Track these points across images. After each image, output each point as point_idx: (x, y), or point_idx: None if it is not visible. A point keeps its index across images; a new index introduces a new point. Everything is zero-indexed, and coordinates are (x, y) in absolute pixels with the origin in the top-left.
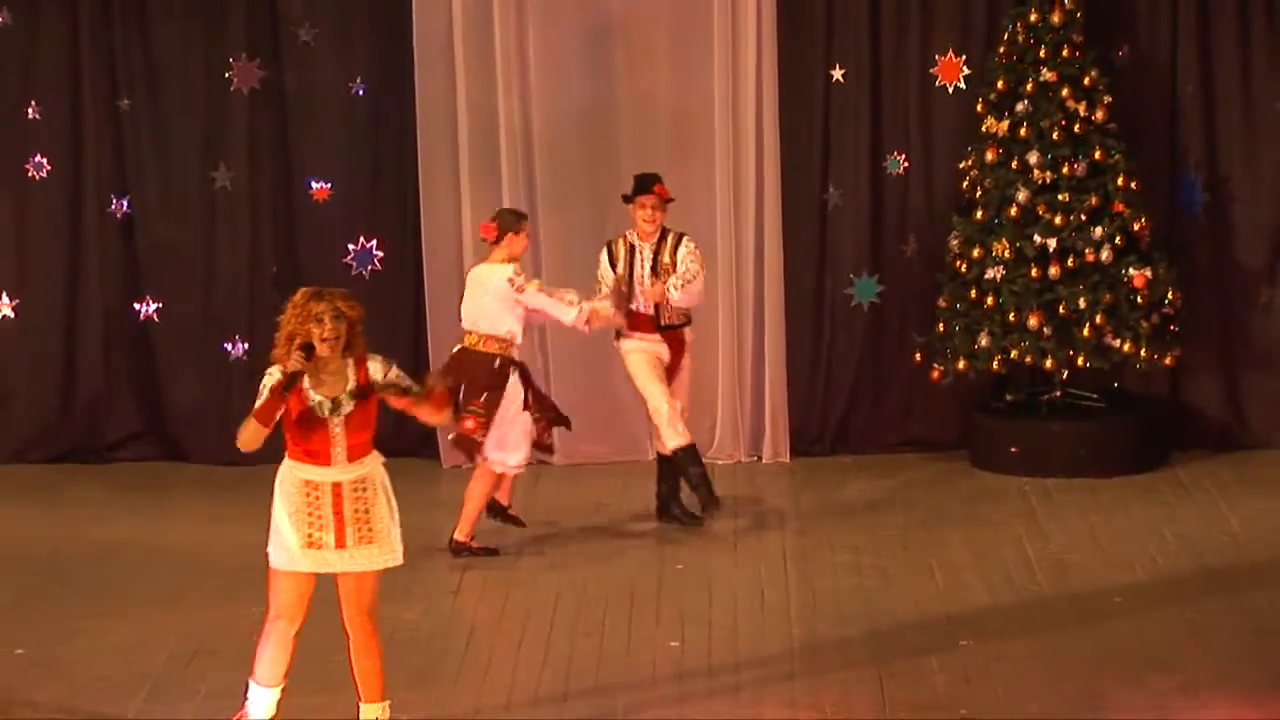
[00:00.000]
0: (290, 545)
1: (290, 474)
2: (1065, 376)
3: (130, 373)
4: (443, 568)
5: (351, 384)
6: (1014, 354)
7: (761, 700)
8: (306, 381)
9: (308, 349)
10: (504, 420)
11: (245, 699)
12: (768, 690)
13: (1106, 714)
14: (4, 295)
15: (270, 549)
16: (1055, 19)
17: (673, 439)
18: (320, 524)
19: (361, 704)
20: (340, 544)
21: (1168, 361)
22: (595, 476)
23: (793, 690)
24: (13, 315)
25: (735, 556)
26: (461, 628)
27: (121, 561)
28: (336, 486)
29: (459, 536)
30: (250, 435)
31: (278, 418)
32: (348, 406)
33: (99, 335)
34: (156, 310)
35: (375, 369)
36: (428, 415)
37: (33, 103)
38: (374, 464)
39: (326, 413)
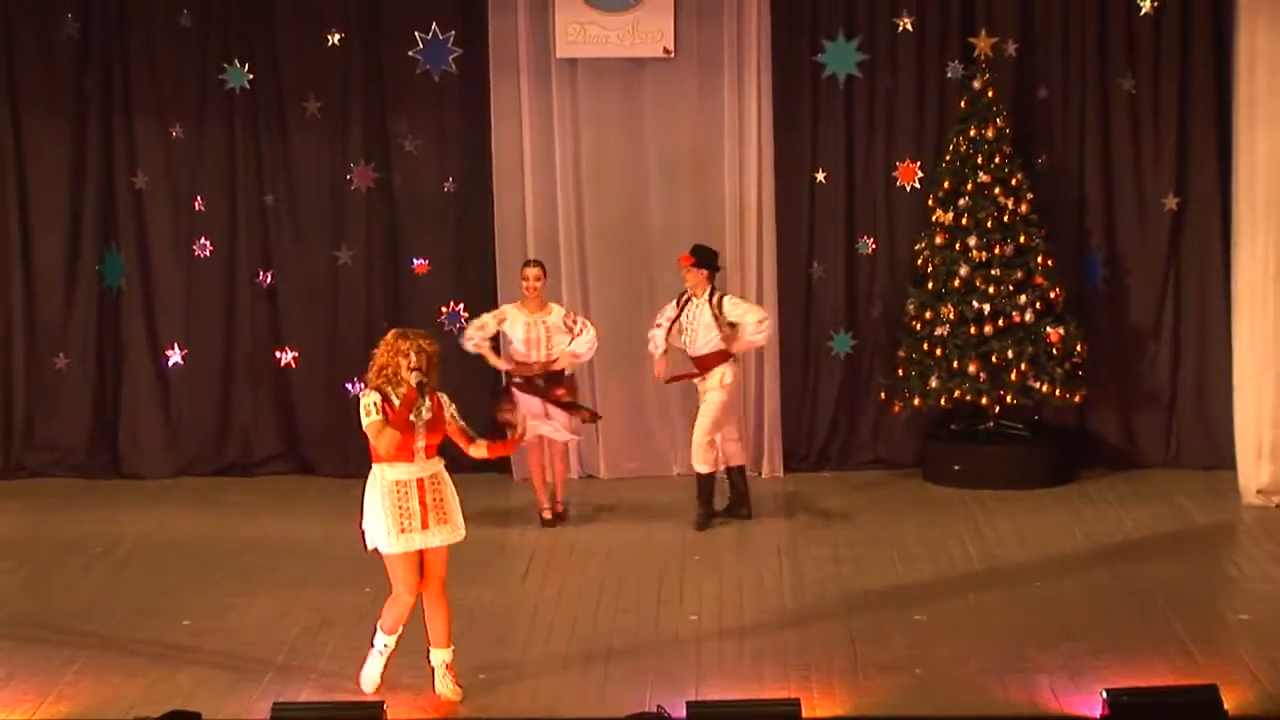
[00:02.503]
0: (388, 532)
1: (381, 477)
2: (997, 411)
3: (273, 406)
4: (512, 559)
5: (428, 401)
6: (957, 393)
7: (760, 659)
8: (395, 397)
9: (418, 372)
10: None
11: (372, 645)
12: (765, 652)
13: (1029, 672)
14: (176, 346)
15: (371, 540)
16: (989, 134)
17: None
18: (408, 513)
19: (432, 649)
20: (424, 526)
21: (1076, 399)
22: (633, 488)
23: (784, 651)
24: (182, 362)
25: (740, 549)
26: (528, 605)
27: (264, 552)
28: (420, 482)
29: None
30: (390, 441)
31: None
32: (426, 414)
33: (248, 377)
34: (293, 358)
35: (444, 400)
36: (477, 452)
37: (199, 197)
38: (441, 464)
39: (411, 416)
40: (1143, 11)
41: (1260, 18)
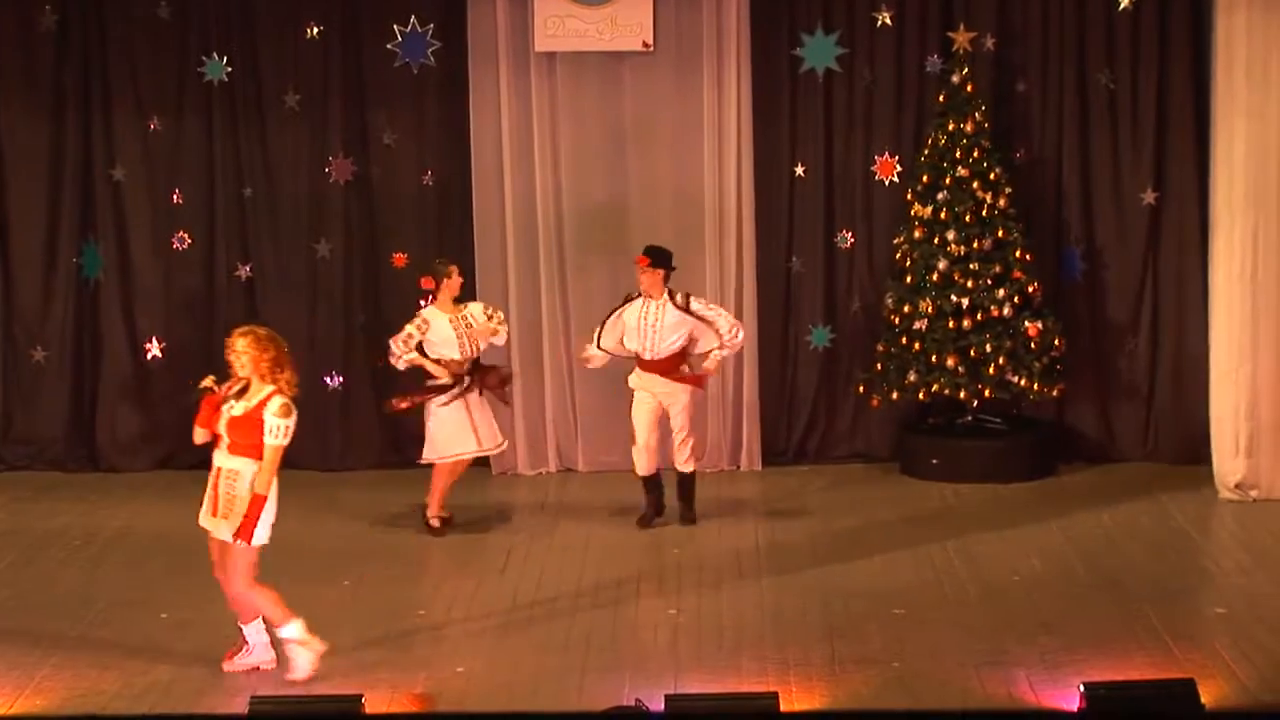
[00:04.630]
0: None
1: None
2: (975, 405)
3: None
4: (490, 552)
5: (254, 403)
6: (935, 387)
7: (739, 653)
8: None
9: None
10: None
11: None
12: (744, 645)
13: (1007, 665)
14: (154, 339)
15: None
16: (968, 128)
17: (639, 469)
18: (209, 493)
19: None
20: (214, 513)
21: (1055, 393)
22: (613, 481)
23: (763, 645)
24: (161, 355)
25: (719, 543)
26: (508, 597)
27: None
28: (219, 470)
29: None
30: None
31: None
32: (237, 410)
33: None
34: None
35: (272, 403)
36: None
37: (177, 190)
38: (248, 468)
39: (221, 405)
40: (1121, 6)
41: (1238, 12)
